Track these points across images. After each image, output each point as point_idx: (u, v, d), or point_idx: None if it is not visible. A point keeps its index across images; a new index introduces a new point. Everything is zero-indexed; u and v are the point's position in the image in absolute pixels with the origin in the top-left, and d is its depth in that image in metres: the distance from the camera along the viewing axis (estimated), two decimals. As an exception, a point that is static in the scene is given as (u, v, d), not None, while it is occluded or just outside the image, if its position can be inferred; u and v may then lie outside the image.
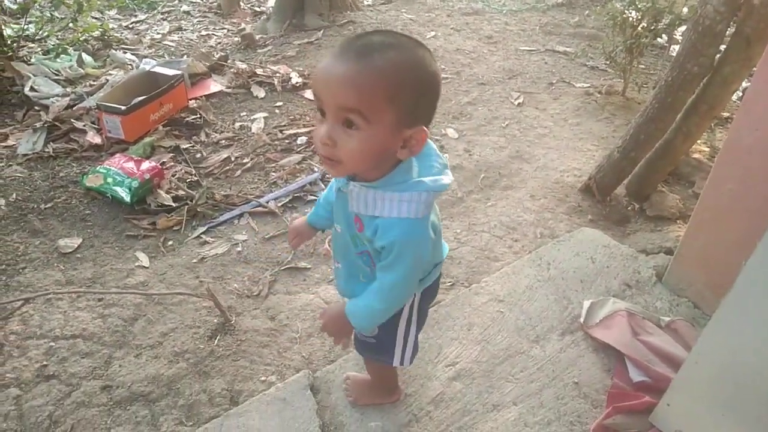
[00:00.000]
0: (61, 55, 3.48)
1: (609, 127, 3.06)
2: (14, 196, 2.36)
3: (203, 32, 4.38)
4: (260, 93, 3.29)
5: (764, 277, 1.08)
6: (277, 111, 3.13)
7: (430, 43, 4.01)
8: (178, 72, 3.01)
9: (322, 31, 4.20)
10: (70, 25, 3.80)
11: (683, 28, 2.84)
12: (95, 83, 3.25)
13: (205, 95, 3.20)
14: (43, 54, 3.53)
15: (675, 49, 2.85)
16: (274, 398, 1.49)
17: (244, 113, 3.10)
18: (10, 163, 2.57)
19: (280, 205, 2.37)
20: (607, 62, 3.39)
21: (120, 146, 2.71)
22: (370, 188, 0.98)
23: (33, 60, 3.37)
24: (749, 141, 1.52)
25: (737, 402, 1.23)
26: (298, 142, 2.82)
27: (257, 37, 4.14)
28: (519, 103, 3.29)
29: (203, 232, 2.21)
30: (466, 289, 1.89)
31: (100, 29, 3.92)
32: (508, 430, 1.43)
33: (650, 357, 1.56)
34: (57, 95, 3.06)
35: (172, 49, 3.99)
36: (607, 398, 1.50)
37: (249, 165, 2.64)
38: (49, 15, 3.85)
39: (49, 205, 2.33)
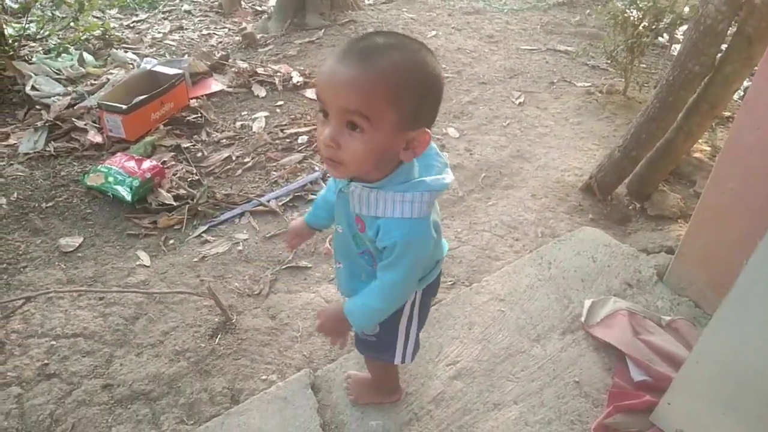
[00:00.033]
0: (63, 55, 3.48)
1: (610, 126, 3.06)
2: (15, 195, 2.36)
3: (204, 31, 4.38)
4: (261, 92, 3.29)
5: (765, 276, 1.08)
6: (278, 110, 3.13)
7: (431, 42, 4.01)
8: (179, 71, 3.01)
9: (323, 31, 4.20)
10: (72, 24, 3.80)
11: (684, 27, 2.83)
12: (96, 82, 3.25)
13: (206, 94, 3.20)
14: (45, 53, 3.54)
15: (676, 48, 2.85)
16: (275, 397, 1.49)
17: (245, 112, 3.10)
18: (12, 162, 2.57)
19: (281, 204, 2.37)
20: (608, 61, 3.38)
21: (121, 145, 2.71)
22: (372, 189, 0.98)
23: (34, 59, 3.37)
24: (750, 140, 1.52)
25: (738, 401, 1.23)
26: (299, 141, 2.83)
27: (258, 36, 4.14)
28: (520, 103, 3.29)
29: (204, 231, 2.21)
30: (467, 288, 1.89)
31: (101, 28, 3.92)
32: (509, 429, 1.43)
33: (651, 356, 1.56)
34: (58, 94, 3.06)
35: (173, 48, 3.99)
36: (607, 397, 1.50)
37: (250, 164, 2.65)
38: (50, 14, 3.85)
39: (50, 204, 2.33)
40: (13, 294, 1.88)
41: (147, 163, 2.40)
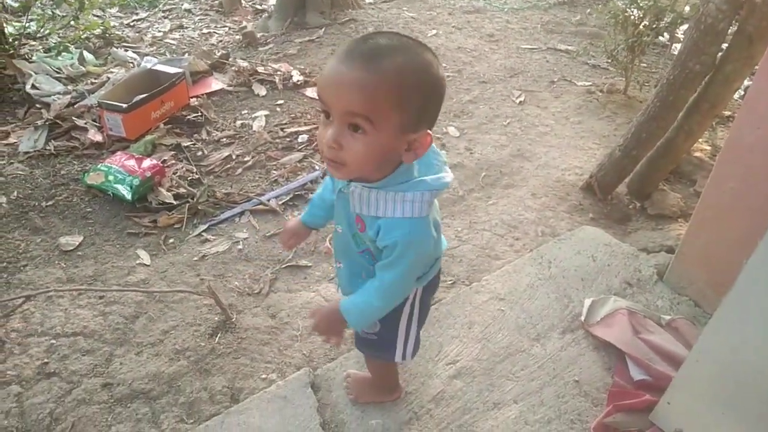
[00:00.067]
0: (63, 53, 3.48)
1: (610, 125, 3.06)
2: (15, 193, 2.36)
3: (204, 30, 4.37)
4: (261, 91, 3.29)
5: (765, 275, 1.08)
6: (278, 109, 3.13)
7: (431, 41, 4.01)
8: (180, 70, 3.01)
9: (323, 29, 4.19)
10: (72, 23, 3.80)
11: (685, 26, 2.83)
12: (96, 81, 3.25)
13: (206, 93, 3.19)
14: (45, 52, 3.54)
15: (677, 47, 2.85)
16: (275, 396, 1.49)
17: (246, 111, 3.10)
18: (12, 160, 2.57)
19: (281, 203, 2.37)
20: (609, 60, 3.38)
21: (121, 144, 2.71)
22: (372, 189, 0.98)
23: (34, 58, 3.37)
24: (751, 139, 1.52)
25: (738, 400, 1.23)
26: (299, 140, 2.82)
27: (258, 35, 4.13)
28: (520, 102, 3.29)
29: (204, 230, 2.21)
30: (467, 287, 1.89)
31: (102, 27, 3.92)
32: (509, 428, 1.43)
33: (651, 355, 1.56)
34: (58, 93, 3.06)
35: (174, 47, 3.99)
36: (607, 396, 1.50)
37: (250, 163, 2.65)
38: (50, 13, 3.84)
39: (50, 202, 2.33)
40: (13, 293, 1.88)
41: (147, 162, 2.40)
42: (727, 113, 3.02)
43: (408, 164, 0.99)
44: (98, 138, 2.73)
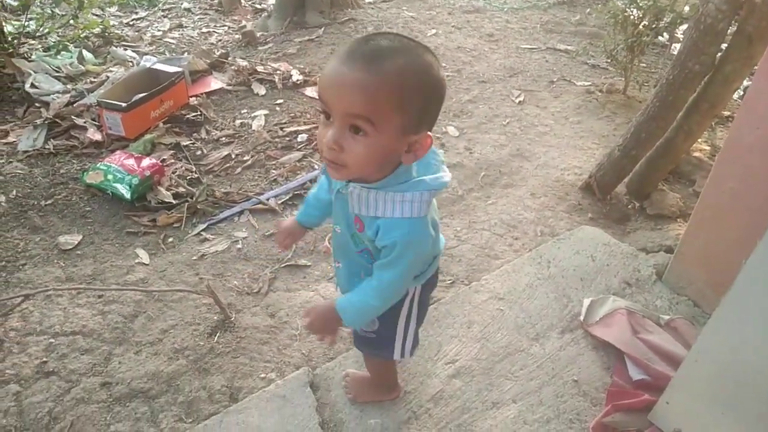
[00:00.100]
0: (62, 52, 3.47)
1: (610, 125, 3.06)
2: (14, 192, 2.36)
3: (204, 29, 4.37)
4: (261, 90, 3.29)
5: (764, 275, 1.08)
6: (277, 108, 3.13)
7: (430, 41, 4.01)
8: (179, 69, 3.01)
9: (323, 29, 4.19)
10: (71, 22, 3.79)
11: (685, 26, 2.83)
12: (96, 80, 3.25)
13: (205, 92, 3.19)
14: (44, 51, 3.53)
15: (676, 47, 2.85)
16: (274, 395, 1.49)
17: (245, 110, 3.09)
18: (11, 159, 2.57)
19: (280, 202, 2.37)
20: (608, 60, 3.38)
21: (120, 143, 2.71)
22: (371, 189, 0.98)
23: (33, 57, 3.37)
24: (750, 139, 1.52)
25: (737, 400, 1.23)
26: (299, 139, 2.82)
27: (258, 34, 4.13)
28: (520, 102, 3.29)
29: (203, 230, 2.21)
30: (466, 287, 1.89)
31: (101, 26, 3.91)
32: (508, 427, 1.43)
33: (650, 355, 1.56)
34: (57, 92, 3.06)
35: (173, 46, 3.99)
36: (606, 396, 1.50)
37: (249, 162, 2.64)
38: (49, 12, 3.84)
39: (49, 201, 2.33)
40: (12, 291, 1.88)
41: (146, 161, 2.40)
42: (727, 113, 3.02)
43: (407, 165, 0.99)
44: (97, 137, 2.73)
